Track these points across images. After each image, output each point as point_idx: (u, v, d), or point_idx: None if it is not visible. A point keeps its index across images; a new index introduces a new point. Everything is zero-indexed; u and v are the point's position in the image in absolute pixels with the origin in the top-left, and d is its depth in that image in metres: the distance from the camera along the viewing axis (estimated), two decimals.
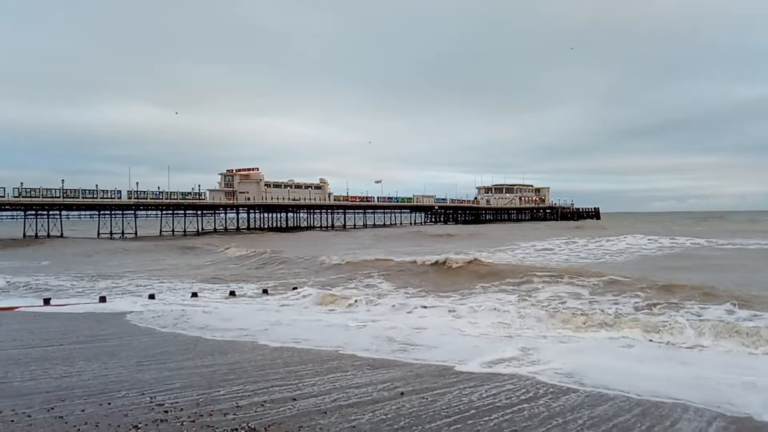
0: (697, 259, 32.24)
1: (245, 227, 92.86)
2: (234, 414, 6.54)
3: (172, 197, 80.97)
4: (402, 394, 7.40)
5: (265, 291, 20.88)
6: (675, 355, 9.84)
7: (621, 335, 11.40)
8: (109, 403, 6.92)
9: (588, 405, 6.97)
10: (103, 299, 18.43)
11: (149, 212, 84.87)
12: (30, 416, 6.41)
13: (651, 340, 10.94)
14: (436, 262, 25.78)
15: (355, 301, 16.92)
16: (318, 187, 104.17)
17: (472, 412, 6.65)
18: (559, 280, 20.04)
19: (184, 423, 6.22)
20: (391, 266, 26.68)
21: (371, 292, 20.26)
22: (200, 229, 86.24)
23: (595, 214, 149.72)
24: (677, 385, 7.71)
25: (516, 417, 6.48)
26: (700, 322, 11.90)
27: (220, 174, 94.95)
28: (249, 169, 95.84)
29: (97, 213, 77.77)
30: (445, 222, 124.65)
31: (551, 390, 7.63)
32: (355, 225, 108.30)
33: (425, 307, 15.88)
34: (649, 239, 47.87)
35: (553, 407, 6.86)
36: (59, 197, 69.47)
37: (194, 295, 19.90)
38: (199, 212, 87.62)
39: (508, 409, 6.75)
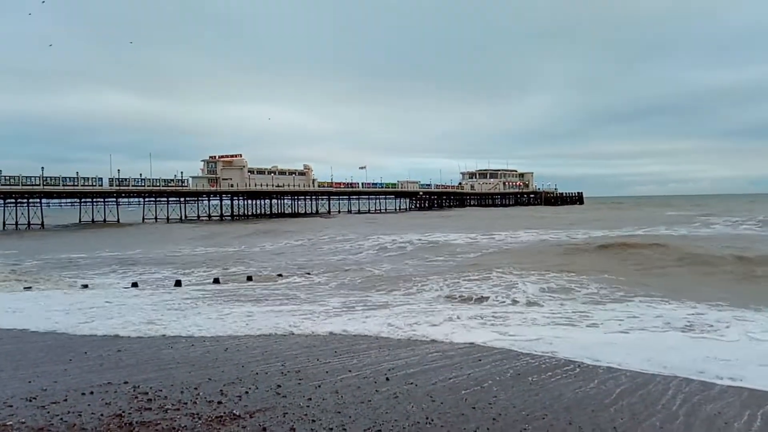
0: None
1: (228, 215, 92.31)
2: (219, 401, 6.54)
3: (155, 184, 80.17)
4: None
5: None
6: None
7: None
8: (92, 392, 6.88)
9: None
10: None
11: (131, 200, 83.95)
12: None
13: None
14: None
15: None
16: (302, 174, 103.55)
17: None
18: None
19: (169, 411, 6.20)
20: None
21: None
22: (183, 217, 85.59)
23: (578, 198, 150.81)
24: None
25: None
26: None
27: (203, 161, 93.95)
28: (232, 156, 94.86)
29: (78, 201, 76.87)
30: (430, 207, 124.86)
31: None
32: (339, 211, 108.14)
33: None
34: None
35: None
36: (39, 185, 68.50)
37: None
38: (182, 199, 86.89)
39: None
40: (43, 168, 69.33)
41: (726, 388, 7.03)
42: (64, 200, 79.35)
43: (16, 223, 68.39)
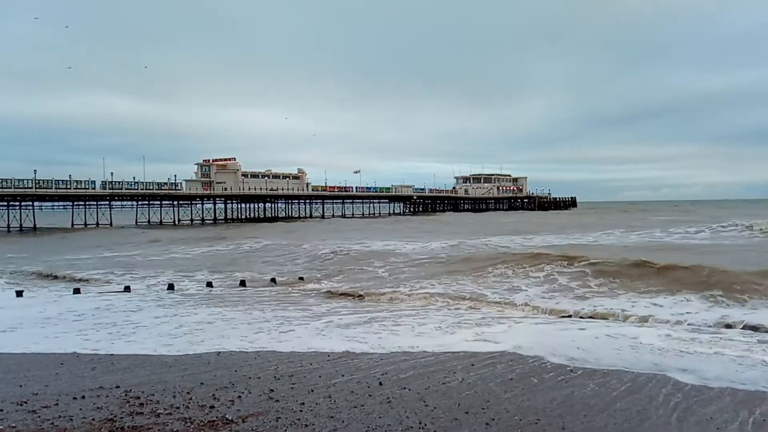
0: None
1: (222, 218, 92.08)
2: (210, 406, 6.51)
3: (148, 187, 79.87)
4: None
5: None
6: None
7: None
8: (83, 396, 6.84)
9: None
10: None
11: (124, 203, 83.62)
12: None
13: None
14: None
15: None
16: (296, 177, 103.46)
17: None
18: None
19: (161, 415, 6.17)
20: None
21: None
22: (176, 220, 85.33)
23: (572, 203, 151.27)
24: None
25: None
26: None
27: (197, 164, 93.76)
28: (226, 159, 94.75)
29: (70, 204, 76.48)
30: (424, 212, 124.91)
31: None
32: (333, 215, 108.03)
33: None
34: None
35: None
36: (31, 188, 68.14)
37: None
38: (175, 203, 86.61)
39: None
40: (35, 171, 69.15)
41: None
42: (56, 203, 78.94)
43: (8, 226, 68.03)
